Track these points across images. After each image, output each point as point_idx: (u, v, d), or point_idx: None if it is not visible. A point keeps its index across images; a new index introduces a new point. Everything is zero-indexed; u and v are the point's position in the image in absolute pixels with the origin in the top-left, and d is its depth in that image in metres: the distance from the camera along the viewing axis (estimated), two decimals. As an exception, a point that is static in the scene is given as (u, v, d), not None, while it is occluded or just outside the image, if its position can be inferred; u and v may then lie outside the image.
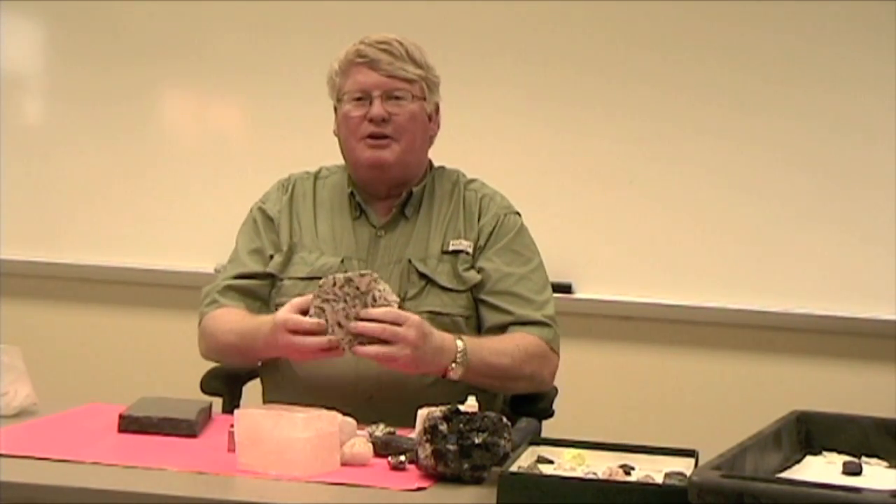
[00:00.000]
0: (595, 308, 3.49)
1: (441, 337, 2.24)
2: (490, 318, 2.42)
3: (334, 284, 2.14)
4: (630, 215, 3.50)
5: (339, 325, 2.14)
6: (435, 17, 3.49)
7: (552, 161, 3.53)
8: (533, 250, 2.52)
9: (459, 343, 2.27)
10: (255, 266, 2.49)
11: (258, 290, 2.48)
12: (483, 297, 2.43)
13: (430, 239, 2.45)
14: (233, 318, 2.42)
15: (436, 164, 2.57)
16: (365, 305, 2.14)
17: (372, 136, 2.41)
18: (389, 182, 2.47)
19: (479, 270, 2.44)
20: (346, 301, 2.14)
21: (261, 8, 3.65)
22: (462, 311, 2.39)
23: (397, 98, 2.42)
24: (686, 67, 3.47)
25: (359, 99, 2.42)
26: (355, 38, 2.47)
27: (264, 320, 2.29)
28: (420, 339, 2.16)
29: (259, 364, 2.53)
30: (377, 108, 2.40)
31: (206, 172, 3.69)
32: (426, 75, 2.46)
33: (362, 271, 2.16)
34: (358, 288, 2.14)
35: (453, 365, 2.25)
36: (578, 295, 3.48)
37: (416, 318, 2.17)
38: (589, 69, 3.50)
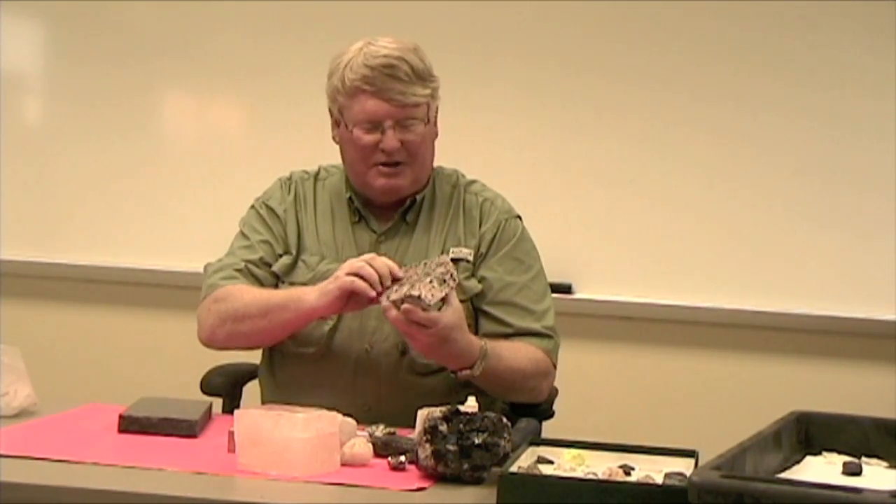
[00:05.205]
0: (595, 308, 3.49)
1: (468, 339, 2.23)
2: (489, 328, 2.39)
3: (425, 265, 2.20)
4: (630, 215, 3.50)
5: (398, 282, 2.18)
6: (434, 17, 3.49)
7: (552, 161, 3.53)
8: (534, 256, 2.49)
9: (482, 346, 2.26)
10: (267, 257, 2.44)
11: (267, 282, 2.42)
12: (484, 307, 2.41)
13: (430, 246, 2.42)
14: (261, 288, 2.38)
15: (435, 163, 2.55)
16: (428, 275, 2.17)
17: (384, 164, 2.38)
18: (399, 200, 2.44)
19: (481, 279, 2.42)
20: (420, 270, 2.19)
21: (261, 8, 3.65)
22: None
23: (408, 125, 2.37)
24: (686, 67, 3.46)
25: (368, 127, 2.37)
26: (354, 38, 2.42)
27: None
28: (449, 331, 2.16)
29: (260, 362, 2.52)
30: (391, 141, 2.35)
31: (206, 173, 3.69)
32: (431, 90, 2.40)
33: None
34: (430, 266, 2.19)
35: (470, 369, 2.25)
36: (578, 295, 3.48)
37: (457, 309, 2.18)
38: (589, 69, 3.50)
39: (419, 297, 2.12)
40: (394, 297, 2.15)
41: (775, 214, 3.44)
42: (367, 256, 2.23)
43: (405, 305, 2.13)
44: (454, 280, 2.18)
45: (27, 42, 3.85)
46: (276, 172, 2.59)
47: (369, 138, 2.37)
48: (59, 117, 3.83)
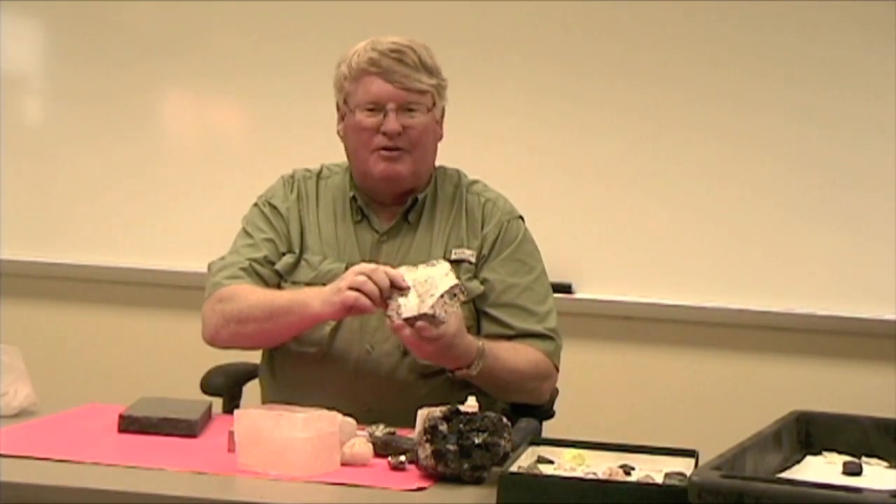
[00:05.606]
0: (595, 308, 3.49)
1: (467, 340, 2.24)
2: (491, 330, 2.39)
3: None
4: (630, 215, 3.50)
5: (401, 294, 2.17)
6: (435, 18, 3.49)
7: (552, 161, 3.53)
8: (536, 257, 2.49)
9: (479, 346, 2.27)
10: (271, 255, 2.43)
11: (272, 280, 2.42)
12: (486, 309, 2.41)
13: (432, 247, 2.42)
14: (266, 289, 2.37)
15: (437, 163, 2.55)
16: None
17: (385, 149, 2.38)
18: (399, 192, 2.44)
19: (483, 281, 2.41)
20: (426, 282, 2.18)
21: (261, 8, 3.65)
22: (464, 322, 2.36)
23: (411, 110, 2.38)
24: (687, 67, 3.47)
25: (371, 109, 2.38)
26: (356, 38, 2.44)
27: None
28: (452, 338, 2.17)
29: (261, 362, 2.52)
30: (393, 123, 2.36)
31: (206, 172, 3.69)
32: (437, 83, 2.42)
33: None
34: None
35: (468, 368, 2.25)
36: (578, 295, 3.48)
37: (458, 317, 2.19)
38: (589, 69, 3.50)
39: (433, 315, 2.13)
40: (406, 314, 2.14)
41: (775, 214, 3.44)
42: (368, 268, 2.20)
43: (420, 323, 2.14)
44: (464, 294, 2.20)
45: (27, 42, 3.85)
46: (277, 172, 2.58)
47: (371, 121, 2.38)
48: (59, 117, 3.83)
